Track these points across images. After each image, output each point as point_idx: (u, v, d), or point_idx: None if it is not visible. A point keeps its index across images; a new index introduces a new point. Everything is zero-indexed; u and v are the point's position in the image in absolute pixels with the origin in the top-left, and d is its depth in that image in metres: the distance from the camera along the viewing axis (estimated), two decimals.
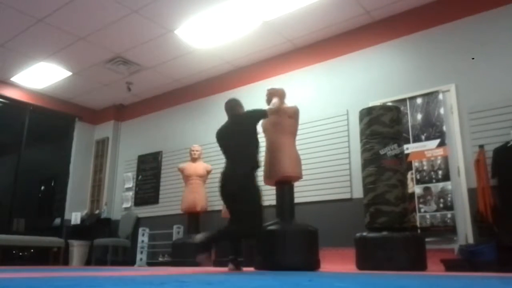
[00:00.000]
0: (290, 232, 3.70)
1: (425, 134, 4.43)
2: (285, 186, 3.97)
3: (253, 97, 5.99)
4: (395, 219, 3.66)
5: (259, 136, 3.83)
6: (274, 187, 4.11)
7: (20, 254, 7.10)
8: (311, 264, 3.68)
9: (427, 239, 3.82)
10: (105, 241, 6.52)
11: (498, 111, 4.04)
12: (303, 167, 4.13)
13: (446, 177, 4.22)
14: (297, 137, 4.38)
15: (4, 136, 7.62)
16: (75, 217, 7.21)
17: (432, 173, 4.30)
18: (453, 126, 4.33)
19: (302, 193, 4.94)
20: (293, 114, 4.07)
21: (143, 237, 6.41)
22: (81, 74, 6.56)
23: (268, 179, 4.05)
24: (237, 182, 3.58)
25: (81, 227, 7.12)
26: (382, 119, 3.85)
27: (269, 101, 4.14)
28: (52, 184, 8.35)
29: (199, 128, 6.56)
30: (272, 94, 4.13)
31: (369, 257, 3.61)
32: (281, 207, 3.93)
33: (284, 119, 4.02)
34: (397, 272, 3.18)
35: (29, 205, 7.93)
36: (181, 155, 6.62)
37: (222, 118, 6.15)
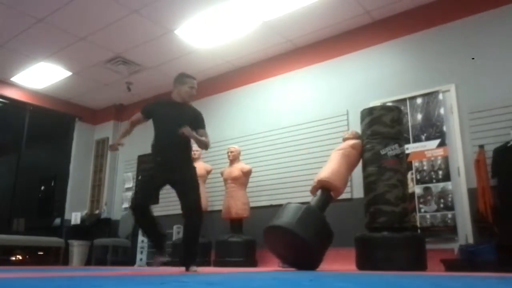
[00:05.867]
0: None
1: (425, 134, 4.43)
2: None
3: (253, 97, 6.01)
4: (395, 219, 3.66)
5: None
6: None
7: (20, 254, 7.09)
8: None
9: (427, 239, 3.82)
10: (105, 241, 6.51)
11: (498, 111, 4.04)
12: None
13: (446, 177, 4.22)
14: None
15: (4, 136, 7.60)
16: (75, 217, 7.20)
17: (432, 173, 4.30)
18: (453, 126, 4.32)
19: (302, 193, 4.93)
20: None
21: (143, 237, 6.40)
22: (81, 74, 6.56)
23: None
24: None
25: (81, 227, 7.11)
26: (383, 119, 3.86)
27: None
28: (52, 184, 8.34)
29: None
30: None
31: (369, 257, 3.61)
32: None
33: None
34: (397, 272, 3.17)
35: (29, 205, 7.92)
36: None
37: (222, 118, 6.22)
